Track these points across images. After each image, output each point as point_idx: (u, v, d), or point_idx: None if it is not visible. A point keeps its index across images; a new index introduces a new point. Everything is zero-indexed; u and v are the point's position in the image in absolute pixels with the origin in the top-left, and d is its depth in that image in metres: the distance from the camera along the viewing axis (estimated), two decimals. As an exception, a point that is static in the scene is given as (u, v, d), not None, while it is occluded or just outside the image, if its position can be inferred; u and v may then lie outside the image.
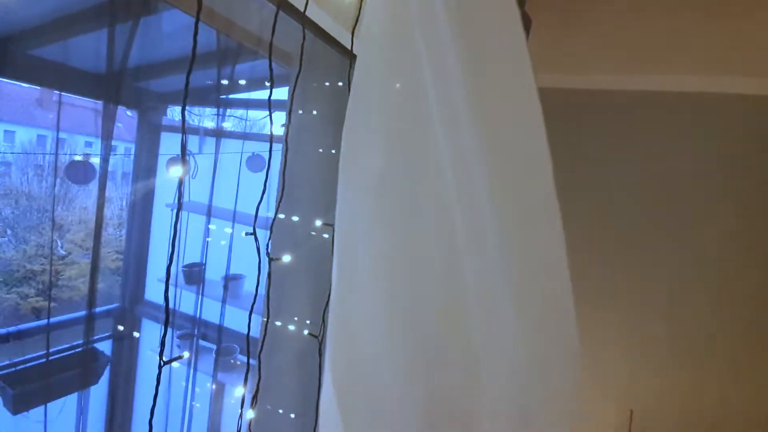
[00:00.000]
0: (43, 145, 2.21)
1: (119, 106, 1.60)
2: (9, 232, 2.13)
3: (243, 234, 0.84)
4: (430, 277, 0.69)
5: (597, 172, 1.89)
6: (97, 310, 1.88)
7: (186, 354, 1.19)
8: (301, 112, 1.11)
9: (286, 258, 0.98)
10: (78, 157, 1.22)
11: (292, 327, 1.07)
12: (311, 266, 1.16)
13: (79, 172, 1.27)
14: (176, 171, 1.05)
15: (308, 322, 1.09)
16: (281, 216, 1.02)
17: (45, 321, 1.85)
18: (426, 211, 0.68)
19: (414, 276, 0.70)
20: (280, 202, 1.00)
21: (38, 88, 1.66)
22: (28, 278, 2.15)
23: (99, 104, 1.56)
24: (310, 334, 1.06)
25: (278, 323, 1.06)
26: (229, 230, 1.49)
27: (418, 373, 0.71)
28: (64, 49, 1.51)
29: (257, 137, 1.71)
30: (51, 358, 1.75)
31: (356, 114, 0.67)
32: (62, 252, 1.98)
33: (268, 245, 0.91)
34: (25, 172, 2.16)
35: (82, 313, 1.84)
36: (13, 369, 1.73)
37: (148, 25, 1.39)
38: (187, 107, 0.85)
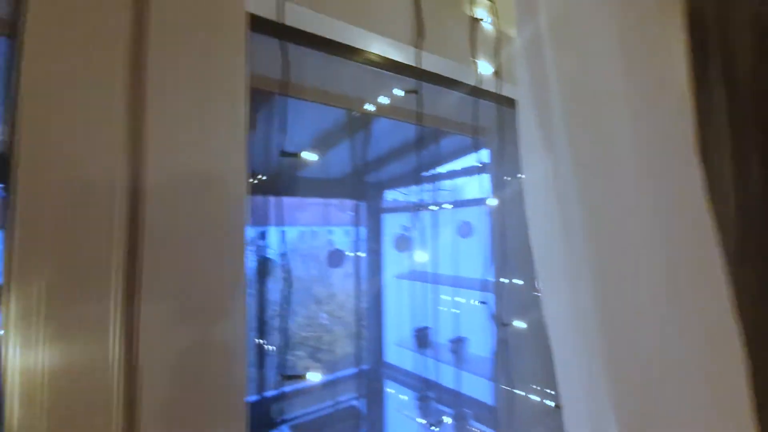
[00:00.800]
0: (302, 238, 2.93)
1: (353, 200, 2.00)
2: (287, 307, 2.84)
3: (475, 302, 0.89)
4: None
5: None
6: (351, 371, 2.23)
7: (447, 419, 1.28)
8: (506, 177, 1.15)
9: (517, 323, 0.97)
10: (337, 246, 1.56)
11: (531, 396, 1.02)
12: (541, 330, 1.10)
13: (335, 258, 1.61)
14: (401, 246, 1.22)
15: (548, 390, 1.02)
16: (503, 280, 1.04)
17: (316, 380, 2.29)
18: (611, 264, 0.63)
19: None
20: (498, 265, 1.02)
21: (300, 198, 2.26)
22: (300, 343, 2.76)
23: (339, 201, 1.99)
24: (556, 405, 0.99)
25: (514, 390, 1.04)
26: (450, 296, 1.59)
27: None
28: (319, 166, 2.02)
29: (466, 204, 1.83)
30: (322, 412, 2.14)
31: (528, 167, 0.69)
32: (323, 322, 2.47)
33: (495, 310, 0.93)
34: (294, 261, 2.90)
35: (342, 373, 2.22)
36: (298, 420, 2.19)
37: (370, 134, 1.74)
38: (402, 188, 0.99)
